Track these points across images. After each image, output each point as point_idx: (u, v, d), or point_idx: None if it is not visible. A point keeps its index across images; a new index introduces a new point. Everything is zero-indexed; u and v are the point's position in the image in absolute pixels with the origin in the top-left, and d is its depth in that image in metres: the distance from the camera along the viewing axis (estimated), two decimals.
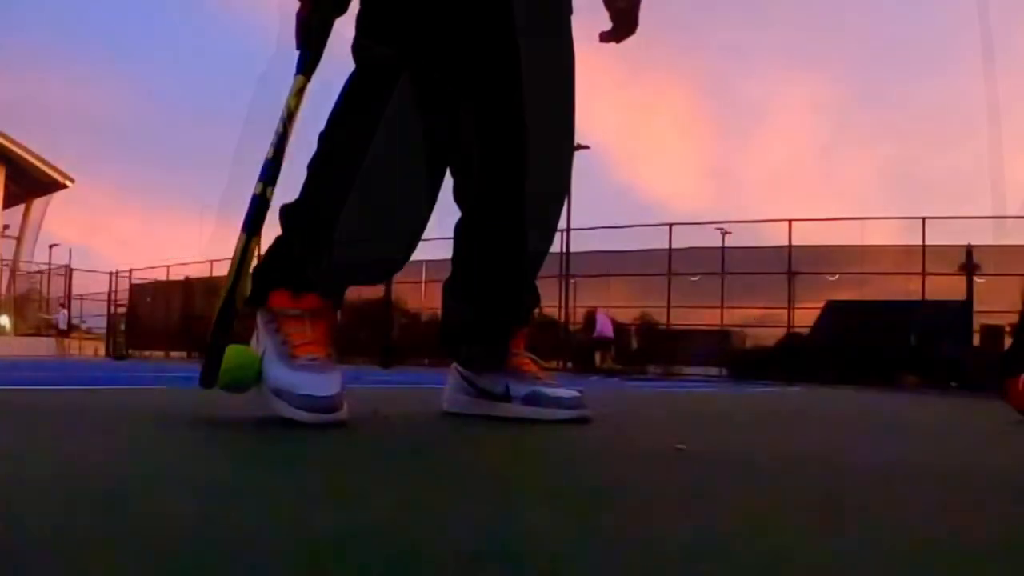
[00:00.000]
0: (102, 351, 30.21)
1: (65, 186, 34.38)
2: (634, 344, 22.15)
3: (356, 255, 1.85)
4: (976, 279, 16.98)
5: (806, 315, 19.58)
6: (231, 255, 1.77)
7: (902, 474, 1.39)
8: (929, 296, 17.83)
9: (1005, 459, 1.89)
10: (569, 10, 2.05)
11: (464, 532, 0.75)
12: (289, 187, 1.83)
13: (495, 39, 1.89)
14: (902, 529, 0.85)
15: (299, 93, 1.82)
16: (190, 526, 0.73)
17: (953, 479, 1.34)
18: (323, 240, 1.80)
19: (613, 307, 20.95)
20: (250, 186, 1.77)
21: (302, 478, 1.07)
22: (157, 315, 29.25)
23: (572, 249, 20.65)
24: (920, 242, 18.16)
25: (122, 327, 30.38)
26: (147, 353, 26.66)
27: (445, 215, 2.07)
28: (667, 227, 20.80)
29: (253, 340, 1.79)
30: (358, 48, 1.85)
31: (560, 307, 20.94)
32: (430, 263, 18.82)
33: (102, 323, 32.45)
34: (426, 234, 1.93)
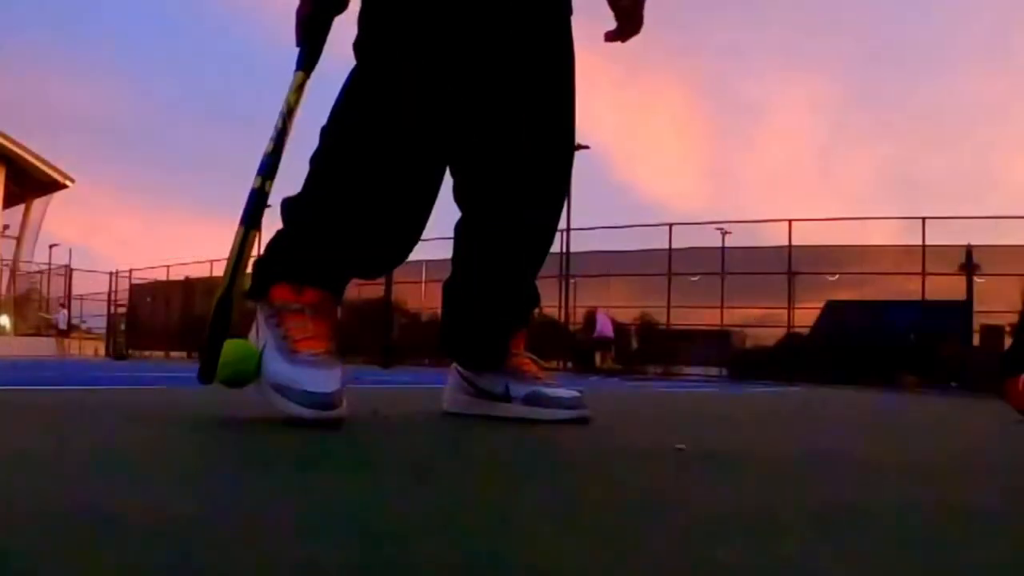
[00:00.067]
0: (102, 351, 30.22)
1: (65, 186, 34.36)
2: (634, 344, 22.16)
3: (357, 250, 1.85)
4: (976, 279, 16.99)
5: (806, 315, 19.60)
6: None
7: (902, 474, 1.39)
8: (929, 296, 17.84)
9: (1005, 459, 1.89)
10: (569, 10, 2.05)
11: (463, 533, 0.75)
12: (288, 182, 1.84)
13: (495, 38, 1.89)
14: (902, 529, 0.85)
15: (299, 89, 1.83)
16: (190, 526, 0.73)
17: (953, 479, 1.34)
18: (325, 234, 1.80)
19: (613, 307, 20.96)
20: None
21: (302, 478, 1.07)
22: (157, 315, 29.29)
23: (572, 249, 20.66)
24: (920, 242, 18.17)
25: (122, 327, 30.40)
26: (147, 353, 26.67)
27: (445, 215, 2.08)
28: (667, 227, 20.82)
29: (252, 334, 1.78)
30: (360, 45, 1.85)
31: (560, 307, 20.95)
32: (430, 263, 18.85)
33: (102, 323, 32.48)
34: (426, 234, 1.93)
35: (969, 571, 0.68)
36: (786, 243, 19.39)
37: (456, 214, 2.08)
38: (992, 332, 15.42)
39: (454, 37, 1.84)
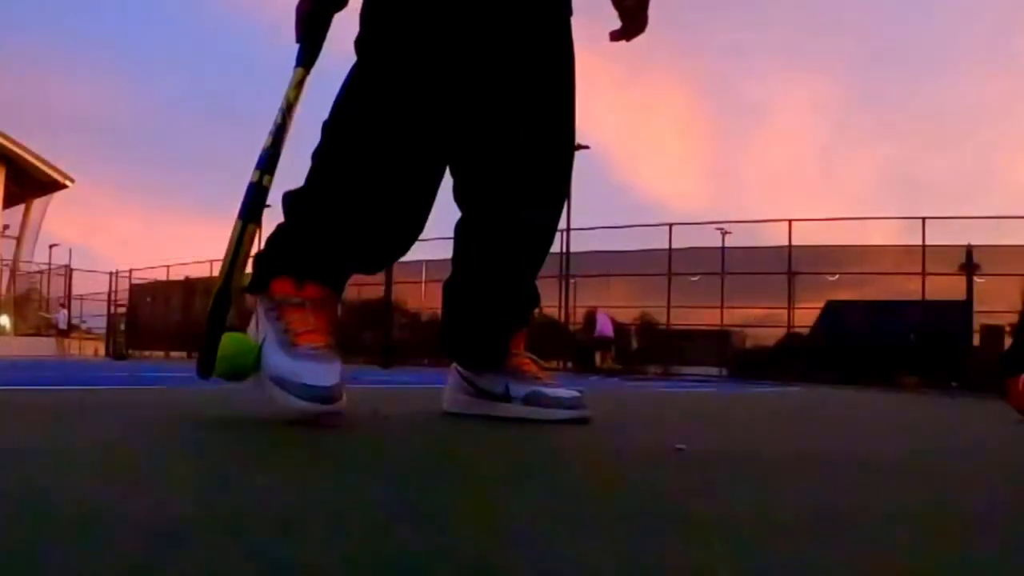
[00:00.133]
0: (102, 351, 30.20)
1: (65, 186, 34.34)
2: (634, 344, 22.15)
3: (358, 244, 1.85)
4: (976, 279, 16.97)
5: (806, 315, 19.58)
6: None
7: (902, 474, 1.39)
8: (929, 296, 17.83)
9: (1005, 459, 1.89)
10: (569, 10, 2.05)
11: (463, 533, 0.75)
12: (288, 177, 1.85)
13: (496, 38, 1.89)
14: (903, 529, 0.85)
15: (298, 85, 1.85)
16: (189, 525, 0.73)
17: (953, 479, 1.34)
18: (326, 228, 1.81)
19: (613, 307, 20.95)
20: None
21: (301, 478, 1.07)
22: (157, 315, 29.26)
23: (572, 249, 20.64)
24: (920, 242, 18.16)
25: (122, 327, 30.38)
26: (147, 353, 26.65)
27: (445, 215, 2.08)
28: (667, 227, 20.80)
29: (251, 327, 1.78)
30: (361, 43, 1.86)
31: (560, 307, 20.93)
32: (430, 263, 18.84)
33: (102, 323, 32.45)
34: (426, 234, 1.94)
35: (969, 571, 0.68)
36: (786, 243, 19.38)
37: (456, 214, 2.08)
38: (992, 332, 15.42)
39: (455, 36, 1.84)
